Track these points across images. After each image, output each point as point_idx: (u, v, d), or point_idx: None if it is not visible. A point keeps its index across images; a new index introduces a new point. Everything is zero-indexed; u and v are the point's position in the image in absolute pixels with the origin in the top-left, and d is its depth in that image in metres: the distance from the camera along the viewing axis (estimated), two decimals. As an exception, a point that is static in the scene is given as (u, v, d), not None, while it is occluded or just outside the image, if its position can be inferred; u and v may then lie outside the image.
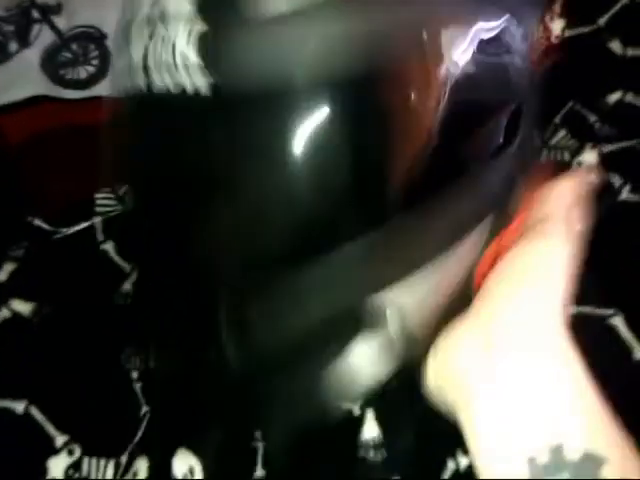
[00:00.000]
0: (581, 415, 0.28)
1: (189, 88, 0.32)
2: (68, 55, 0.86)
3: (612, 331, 0.47)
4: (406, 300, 0.35)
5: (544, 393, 0.29)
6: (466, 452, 0.42)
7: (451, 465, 0.42)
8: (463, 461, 0.42)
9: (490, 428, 0.29)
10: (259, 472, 0.44)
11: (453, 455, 0.43)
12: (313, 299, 0.35)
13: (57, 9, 0.90)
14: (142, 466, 0.45)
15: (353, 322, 0.36)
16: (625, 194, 0.52)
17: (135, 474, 0.45)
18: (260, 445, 0.45)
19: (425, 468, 0.42)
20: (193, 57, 0.32)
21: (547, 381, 0.29)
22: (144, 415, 0.48)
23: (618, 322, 0.47)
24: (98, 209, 0.62)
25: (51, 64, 0.85)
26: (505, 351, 0.30)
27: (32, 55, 0.84)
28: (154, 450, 0.45)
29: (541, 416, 0.28)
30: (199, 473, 0.43)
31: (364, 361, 0.37)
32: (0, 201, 0.66)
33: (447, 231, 0.34)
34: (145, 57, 0.35)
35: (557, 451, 0.27)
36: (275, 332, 0.37)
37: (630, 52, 0.59)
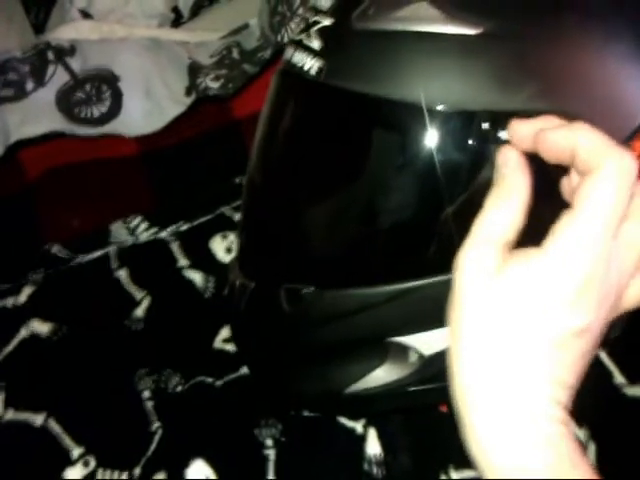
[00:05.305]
0: None
1: (302, 66, 0.36)
2: (82, 95, 0.89)
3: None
4: (432, 346, 0.38)
5: None
6: (457, 467, 0.45)
7: (443, 477, 0.45)
8: (454, 475, 0.45)
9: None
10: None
11: (445, 470, 0.45)
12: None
13: (71, 51, 0.94)
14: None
15: (380, 351, 0.40)
16: None
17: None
18: (271, 452, 0.47)
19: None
20: (315, 41, 0.36)
21: None
22: (156, 430, 0.50)
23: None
24: (112, 239, 0.65)
25: (66, 103, 0.88)
26: None
27: (47, 94, 0.88)
28: (169, 461, 0.47)
29: None
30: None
31: (379, 386, 0.41)
32: (19, 230, 0.69)
33: None
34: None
35: None
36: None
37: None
